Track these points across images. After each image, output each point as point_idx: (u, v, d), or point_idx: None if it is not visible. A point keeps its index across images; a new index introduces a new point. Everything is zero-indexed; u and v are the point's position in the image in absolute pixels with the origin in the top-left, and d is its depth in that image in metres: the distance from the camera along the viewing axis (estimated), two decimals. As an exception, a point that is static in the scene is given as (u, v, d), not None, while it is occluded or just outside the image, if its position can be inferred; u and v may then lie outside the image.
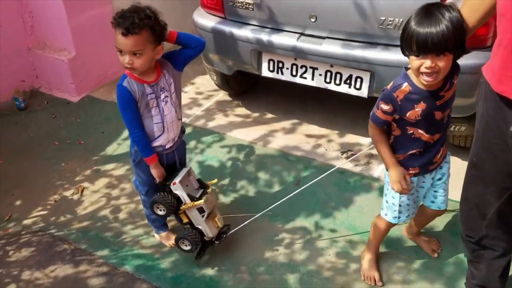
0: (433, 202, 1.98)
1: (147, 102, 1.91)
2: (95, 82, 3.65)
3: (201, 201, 2.06)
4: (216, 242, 2.17)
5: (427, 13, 1.50)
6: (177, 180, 2.03)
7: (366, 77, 2.49)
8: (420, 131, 1.73)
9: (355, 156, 2.66)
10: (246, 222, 2.24)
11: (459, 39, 1.50)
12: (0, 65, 3.40)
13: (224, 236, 2.20)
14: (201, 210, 2.09)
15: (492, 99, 1.49)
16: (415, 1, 2.21)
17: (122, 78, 1.89)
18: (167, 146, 2.05)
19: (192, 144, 2.96)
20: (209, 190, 2.16)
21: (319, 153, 2.84)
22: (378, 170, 2.67)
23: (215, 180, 2.29)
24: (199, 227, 2.12)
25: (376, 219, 2.05)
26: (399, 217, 1.95)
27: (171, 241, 2.29)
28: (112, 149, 3.02)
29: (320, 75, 2.63)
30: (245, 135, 3.05)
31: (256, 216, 2.25)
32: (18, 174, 2.84)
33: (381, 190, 2.53)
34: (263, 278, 2.12)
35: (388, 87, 1.69)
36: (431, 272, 2.09)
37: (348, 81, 2.57)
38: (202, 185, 2.18)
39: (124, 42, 1.75)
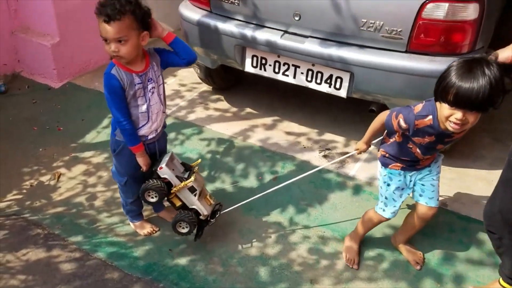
0: (421, 195, 2.02)
1: (134, 91, 1.91)
2: (78, 69, 3.63)
3: (191, 179, 2.05)
4: (212, 220, 2.18)
5: (470, 68, 1.53)
6: (163, 164, 2.02)
7: (346, 77, 2.54)
8: (418, 150, 1.86)
9: (331, 153, 2.71)
10: (229, 209, 2.26)
11: (494, 99, 1.55)
12: (-19, 47, 3.36)
13: (218, 213, 2.21)
14: (192, 189, 2.08)
15: None
16: (395, 5, 2.29)
17: (109, 66, 1.88)
18: (150, 137, 2.06)
19: (172, 135, 2.97)
20: (195, 170, 2.14)
21: (298, 150, 2.88)
22: (353, 169, 2.72)
23: (199, 161, 2.29)
24: (193, 206, 2.11)
25: (369, 210, 2.15)
26: (383, 210, 2.05)
27: (146, 230, 2.31)
28: (91, 136, 3.01)
29: (302, 73, 2.66)
30: (226, 129, 3.07)
31: (234, 207, 2.27)
32: (-6, 157, 2.82)
33: (355, 189, 2.59)
34: (235, 269, 2.15)
35: (415, 110, 1.75)
36: (398, 270, 2.15)
37: (328, 81, 2.61)
38: (187, 168, 2.17)
39: (108, 29, 1.75)
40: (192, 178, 2.06)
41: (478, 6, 2.21)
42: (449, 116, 1.60)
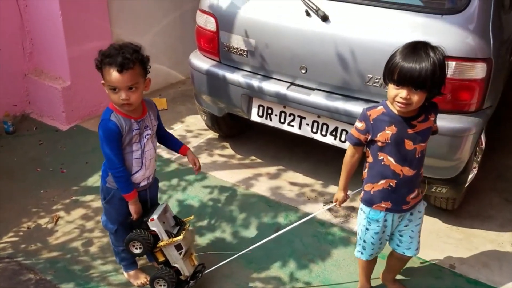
0: (398, 246, 2.01)
1: (131, 137, 1.91)
2: (86, 113, 3.67)
3: (180, 237, 2.01)
4: (192, 281, 2.10)
5: (414, 49, 1.64)
6: (154, 216, 2.00)
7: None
8: (389, 158, 1.81)
9: (334, 205, 2.64)
10: (221, 263, 2.19)
11: (437, 80, 1.64)
12: (-6, 88, 3.43)
13: (200, 275, 2.13)
14: (178, 247, 2.03)
15: None
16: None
17: (107, 112, 1.89)
18: (142, 184, 2.03)
19: (174, 181, 2.94)
20: (186, 227, 2.11)
21: (301, 202, 2.82)
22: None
23: (192, 217, 2.26)
24: (176, 265, 2.05)
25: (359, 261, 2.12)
26: (361, 253, 2.01)
27: (140, 280, 2.22)
28: (94, 180, 2.99)
29: (307, 124, 2.66)
30: (229, 176, 3.04)
31: (232, 258, 2.19)
32: (-6, 198, 2.79)
33: (359, 245, 2.49)
34: (230, 327, 2.04)
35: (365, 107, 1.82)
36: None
37: (333, 133, 2.60)
38: (179, 223, 2.14)
39: (120, 78, 1.78)
40: (181, 236, 2.02)
41: (486, 65, 2.21)
42: (395, 96, 1.66)
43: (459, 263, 2.39)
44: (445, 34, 2.21)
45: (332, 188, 2.95)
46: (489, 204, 2.83)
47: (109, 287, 2.21)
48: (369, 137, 1.81)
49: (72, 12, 3.33)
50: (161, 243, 2.01)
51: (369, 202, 1.93)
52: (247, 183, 2.98)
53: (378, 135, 1.78)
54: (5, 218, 2.63)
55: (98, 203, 2.77)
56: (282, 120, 2.74)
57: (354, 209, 2.74)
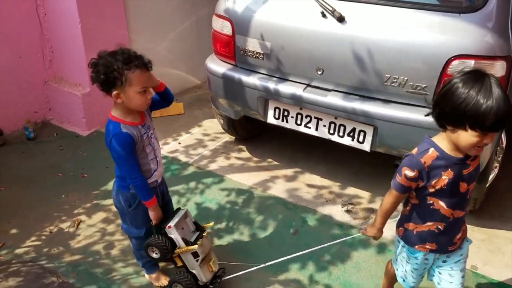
0: (451, 282, 1.76)
1: (143, 142, 1.94)
2: (106, 118, 3.70)
3: (195, 246, 2.03)
4: (211, 286, 2.12)
5: (484, 85, 1.40)
6: (172, 223, 2.02)
7: (370, 131, 2.51)
8: (441, 202, 1.62)
9: (354, 207, 2.63)
10: (240, 273, 2.20)
11: None
12: (15, 95, 3.52)
13: (219, 280, 2.15)
14: (195, 254, 2.06)
15: None
16: (420, 61, 2.28)
17: (115, 125, 1.86)
18: (159, 180, 2.08)
19: (192, 184, 2.96)
20: (204, 234, 2.13)
21: (319, 204, 2.81)
22: (377, 225, 2.62)
23: (212, 223, 2.27)
24: (193, 271, 2.08)
25: (389, 263, 2.01)
26: (404, 280, 1.87)
27: (161, 282, 2.24)
28: (114, 184, 3.02)
29: (324, 126, 2.65)
30: (246, 179, 3.05)
31: (251, 269, 2.20)
32: (17, 203, 2.85)
33: (379, 247, 2.47)
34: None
35: (413, 152, 1.61)
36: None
37: (351, 134, 2.58)
38: (198, 228, 2.16)
39: (148, 76, 1.85)
40: (197, 244, 2.04)
41: (505, 63, 2.18)
42: (478, 143, 1.44)
43: (482, 264, 2.35)
44: (463, 32, 2.19)
45: (350, 190, 2.94)
46: (510, 204, 2.78)
47: (131, 290, 2.24)
48: (422, 184, 1.60)
49: (91, 20, 3.40)
50: (178, 250, 2.04)
51: (410, 242, 1.75)
52: (264, 186, 2.98)
53: (433, 182, 1.58)
54: (27, 223, 2.68)
55: (118, 207, 2.80)
56: (299, 122, 2.74)
57: (373, 211, 2.72)
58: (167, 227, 2.01)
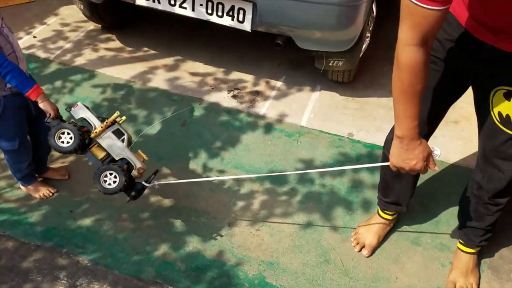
0: None
1: None
2: None
3: (115, 115, 1.68)
4: (147, 184, 1.78)
5: None
6: (79, 103, 1.68)
7: (249, 8, 2.36)
8: None
9: (240, 92, 2.60)
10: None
11: None
12: None
13: (153, 176, 1.83)
14: (118, 132, 1.70)
15: None
16: None
17: None
18: None
19: (58, 84, 2.62)
20: (114, 115, 1.74)
21: (205, 92, 2.71)
22: (263, 107, 2.64)
23: (118, 113, 1.81)
24: (122, 156, 1.70)
25: None
26: None
27: (41, 192, 2.05)
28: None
29: (201, 5, 2.43)
30: (122, 72, 2.78)
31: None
32: None
33: (266, 127, 2.52)
34: (147, 223, 2.01)
35: None
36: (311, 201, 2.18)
37: (230, 13, 2.42)
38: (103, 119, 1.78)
39: None
40: (115, 114, 1.69)
41: None
42: None
43: (357, 130, 2.55)
44: None
45: (235, 75, 2.87)
46: (381, 72, 2.97)
47: (6, 204, 2.01)
48: None
49: None
50: (95, 131, 1.67)
51: None
52: (143, 78, 2.76)
53: None
54: None
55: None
56: (173, 2, 2.47)
57: (258, 93, 2.72)
58: (73, 107, 1.67)
